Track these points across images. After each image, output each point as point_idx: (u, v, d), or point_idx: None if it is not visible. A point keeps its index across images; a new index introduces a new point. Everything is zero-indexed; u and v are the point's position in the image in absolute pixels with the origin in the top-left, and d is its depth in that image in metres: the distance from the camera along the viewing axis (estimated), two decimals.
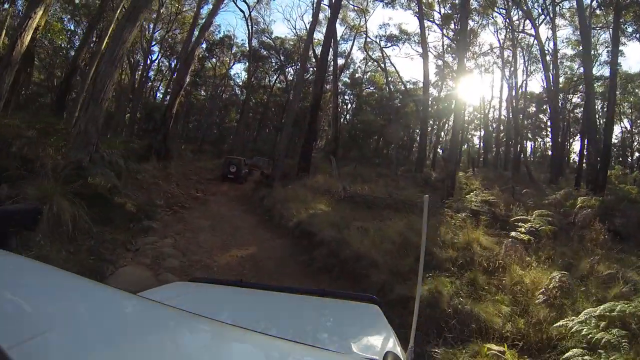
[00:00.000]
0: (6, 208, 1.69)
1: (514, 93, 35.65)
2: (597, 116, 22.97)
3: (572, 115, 38.77)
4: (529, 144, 43.16)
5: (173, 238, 8.54)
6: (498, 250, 7.12)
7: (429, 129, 39.00)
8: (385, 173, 25.92)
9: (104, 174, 8.66)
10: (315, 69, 35.69)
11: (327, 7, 28.02)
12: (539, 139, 47.67)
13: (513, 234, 7.91)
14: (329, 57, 26.41)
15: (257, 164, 25.59)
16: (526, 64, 36.38)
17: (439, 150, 41.39)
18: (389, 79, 39.79)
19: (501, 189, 16.56)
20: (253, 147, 37.90)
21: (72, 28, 32.00)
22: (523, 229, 8.47)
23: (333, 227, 8.47)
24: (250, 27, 36.34)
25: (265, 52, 41.34)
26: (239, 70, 63.56)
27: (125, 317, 0.92)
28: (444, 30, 34.74)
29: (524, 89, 37.30)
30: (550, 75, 27.35)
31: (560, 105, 32.63)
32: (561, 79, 31.50)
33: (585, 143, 22.90)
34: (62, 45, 29.94)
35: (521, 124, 35.61)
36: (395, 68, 43.88)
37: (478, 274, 6.07)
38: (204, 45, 38.94)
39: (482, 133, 45.70)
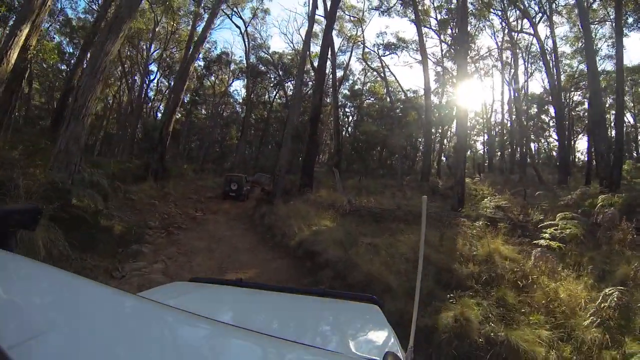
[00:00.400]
0: (6, 208, 1.61)
1: (516, 94, 34.87)
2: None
3: (573, 113, 37.91)
4: (532, 146, 42.06)
5: (164, 263, 7.78)
6: (524, 260, 6.30)
7: (432, 137, 38.15)
8: (390, 184, 25.21)
9: (87, 195, 7.92)
10: (313, 81, 35.70)
11: (322, 19, 27.67)
12: (542, 140, 46.73)
13: (541, 242, 7.05)
14: (328, 69, 25.81)
15: (259, 180, 24.99)
16: (526, 65, 35.82)
17: (442, 157, 40.39)
18: (389, 88, 39.24)
19: (511, 193, 15.80)
20: (255, 164, 37.38)
21: (71, 50, 32.07)
22: (547, 235, 7.66)
23: (338, 245, 7.69)
24: (247, 43, 36.10)
25: (263, 68, 40.90)
26: (238, 87, 63.45)
27: (125, 317, 0.89)
28: (442, 36, 34.29)
29: (525, 90, 36.58)
30: (554, 72, 26.63)
31: (564, 103, 31.81)
32: (562, 77, 30.72)
33: (593, 140, 22.05)
34: (61, 67, 29.79)
35: (525, 125, 34.72)
36: (395, 77, 43.94)
37: (506, 291, 5.29)
38: (201, 63, 39.22)
39: (486, 138, 44.86)
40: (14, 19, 17.36)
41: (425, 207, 1.43)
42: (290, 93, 41.04)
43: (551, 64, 27.46)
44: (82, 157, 9.25)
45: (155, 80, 38.60)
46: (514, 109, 35.02)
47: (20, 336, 0.60)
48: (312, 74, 30.05)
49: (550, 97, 30.64)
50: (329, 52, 23.60)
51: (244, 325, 1.01)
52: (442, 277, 5.76)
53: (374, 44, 38.41)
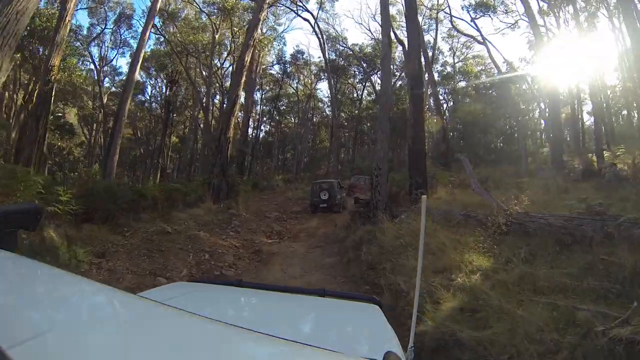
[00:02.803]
0: (6, 208, 1.40)
1: None
2: None
3: None
4: None
5: None
6: None
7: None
8: (512, 172, 19.04)
9: None
10: (400, 70, 30.04)
11: None
12: None
13: None
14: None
15: (357, 184, 20.05)
16: None
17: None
18: (490, 53, 31.17)
19: None
20: (351, 166, 33.48)
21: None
22: None
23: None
24: (321, 37, 31.29)
25: (343, 62, 36.87)
26: (324, 88, 59.55)
27: (125, 317, 0.87)
28: None
29: None
30: None
31: None
32: None
33: None
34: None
35: None
36: (490, 46, 35.05)
37: None
38: (276, 67, 36.02)
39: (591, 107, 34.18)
40: None
41: (424, 206, 1.43)
42: (378, 87, 36.84)
43: None
44: None
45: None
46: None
47: (20, 336, 0.57)
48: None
49: None
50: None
51: (244, 325, 0.92)
52: None
53: (462, 6, 30.89)
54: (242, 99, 34.60)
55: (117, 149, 13.29)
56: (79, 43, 23.83)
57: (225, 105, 19.61)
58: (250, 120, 40.98)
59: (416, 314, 1.39)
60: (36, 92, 13.33)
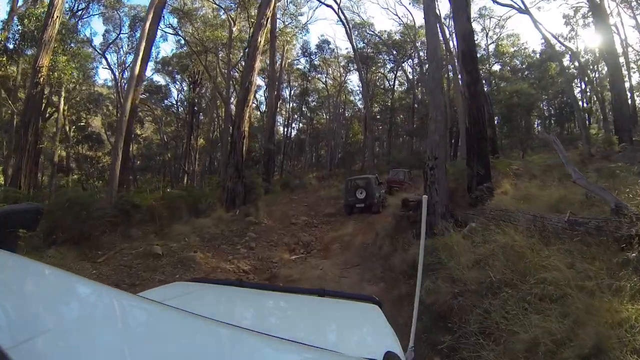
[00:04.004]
0: (6, 208, 1.50)
1: None
2: None
3: None
4: None
5: None
6: None
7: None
8: (574, 157, 14.98)
9: None
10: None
11: None
12: None
13: None
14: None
15: (395, 178, 17.74)
16: None
17: None
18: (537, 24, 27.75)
19: None
20: (388, 159, 31.12)
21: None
22: None
23: None
24: (346, 24, 28.40)
25: (371, 51, 34.26)
26: (354, 82, 56.84)
27: (125, 317, 0.86)
28: None
29: None
30: None
31: None
32: None
33: None
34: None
35: None
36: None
37: None
38: (302, 60, 33.96)
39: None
40: None
41: (425, 206, 1.42)
42: (411, 77, 36.41)
43: None
44: None
45: (262, 92, 34.18)
46: None
47: (20, 336, 0.57)
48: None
49: None
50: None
51: (244, 325, 0.95)
52: None
53: None
54: (264, 93, 33.32)
55: (118, 154, 11.32)
56: (90, 49, 22.65)
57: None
58: (281, 118, 39.51)
59: (417, 314, 1.39)
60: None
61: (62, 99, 17.18)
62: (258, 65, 12.33)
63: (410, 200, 7.97)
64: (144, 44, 12.81)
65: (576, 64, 29.29)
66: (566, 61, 30.31)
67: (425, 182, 7.53)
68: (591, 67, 30.53)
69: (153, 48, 19.58)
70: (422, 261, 1.39)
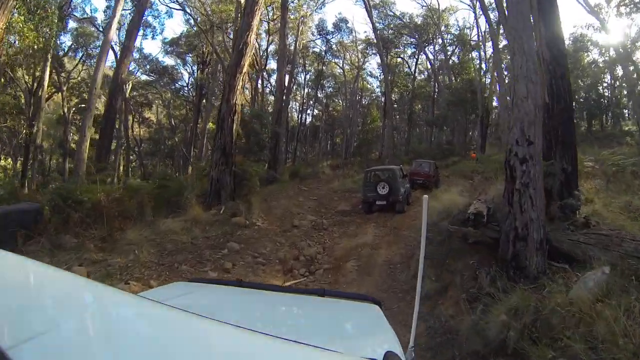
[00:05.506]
0: (6, 208, 1.09)
1: None
2: None
3: None
4: None
5: None
6: None
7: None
8: (628, 153, 12.12)
9: None
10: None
11: None
12: None
13: None
14: None
15: (419, 170, 15.38)
16: None
17: None
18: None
19: None
20: (407, 149, 30.35)
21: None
22: None
23: None
24: (367, 2, 25.51)
25: (393, 33, 32.24)
26: (372, 67, 53.80)
27: (125, 317, 0.84)
28: None
29: None
30: None
31: None
32: None
33: None
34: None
35: None
36: None
37: None
38: (318, 42, 31.36)
39: None
40: None
41: (426, 206, 1.39)
42: (432, 63, 34.01)
43: None
44: None
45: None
46: None
47: (20, 336, 0.56)
48: None
49: None
50: None
51: (244, 325, 0.90)
52: None
53: None
54: (272, 75, 30.75)
55: (85, 133, 8.92)
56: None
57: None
58: (296, 103, 36.92)
59: (417, 315, 1.39)
60: None
61: (46, 74, 14.91)
62: (257, 22, 9.60)
63: (477, 216, 4.69)
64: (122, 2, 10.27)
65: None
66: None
67: (507, 184, 4.52)
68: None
69: (158, 24, 17.17)
70: (423, 261, 1.40)
